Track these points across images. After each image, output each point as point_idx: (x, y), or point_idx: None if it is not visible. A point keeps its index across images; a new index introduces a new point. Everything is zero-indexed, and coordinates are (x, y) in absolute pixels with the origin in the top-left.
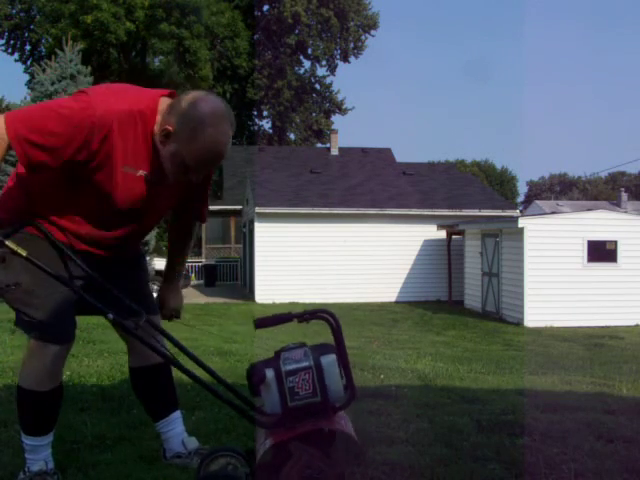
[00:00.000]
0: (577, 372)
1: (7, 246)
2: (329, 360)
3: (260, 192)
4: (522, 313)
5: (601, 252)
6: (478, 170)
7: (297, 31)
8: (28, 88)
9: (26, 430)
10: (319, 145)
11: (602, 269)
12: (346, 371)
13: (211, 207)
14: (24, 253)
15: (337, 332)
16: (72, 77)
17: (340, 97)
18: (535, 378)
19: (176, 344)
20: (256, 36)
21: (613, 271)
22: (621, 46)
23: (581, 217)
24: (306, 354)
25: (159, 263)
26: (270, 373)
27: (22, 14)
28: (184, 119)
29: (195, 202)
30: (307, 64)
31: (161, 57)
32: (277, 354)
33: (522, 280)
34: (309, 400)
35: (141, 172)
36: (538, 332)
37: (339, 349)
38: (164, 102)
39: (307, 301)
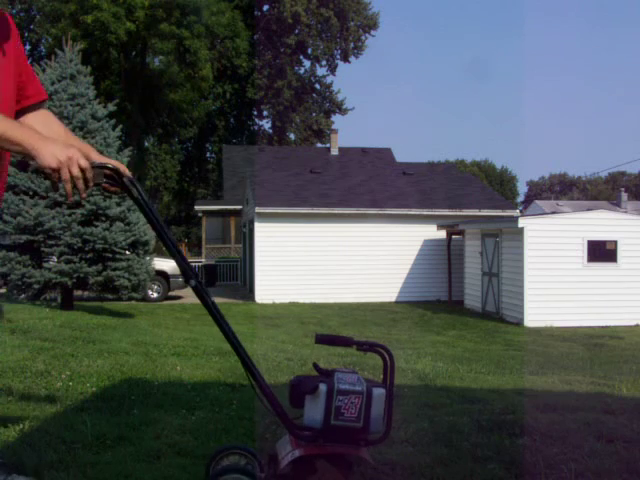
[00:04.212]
0: (577, 372)
1: None
2: (380, 392)
3: (260, 192)
4: (522, 313)
5: (601, 252)
6: (478, 170)
7: (297, 31)
8: None
9: None
10: (319, 145)
11: (602, 269)
12: (389, 409)
13: (211, 207)
14: None
15: (390, 369)
16: (72, 77)
17: (340, 97)
18: (535, 378)
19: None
20: (256, 36)
21: (613, 271)
22: (621, 45)
23: (581, 217)
24: (359, 380)
25: (159, 263)
26: (323, 387)
27: (22, 14)
28: None
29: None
30: (307, 64)
31: (161, 57)
32: (330, 373)
33: (522, 280)
34: (351, 424)
35: None
36: (538, 332)
37: (388, 386)
38: None
39: (307, 301)
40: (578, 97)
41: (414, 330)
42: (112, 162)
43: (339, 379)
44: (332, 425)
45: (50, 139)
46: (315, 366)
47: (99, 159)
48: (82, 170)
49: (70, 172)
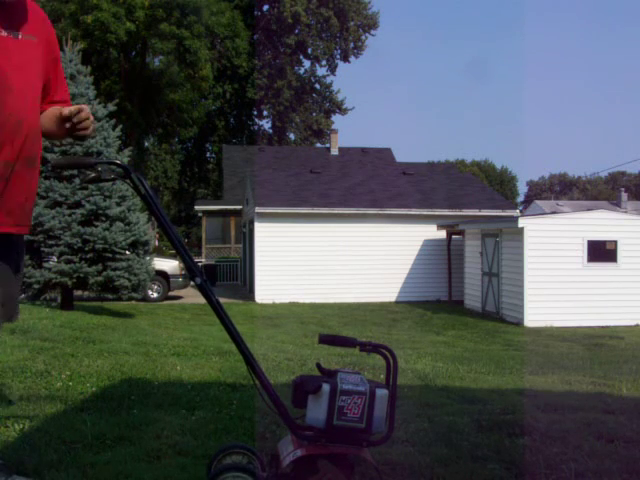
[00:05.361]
0: (577, 372)
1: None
2: (383, 393)
3: (260, 192)
4: (522, 313)
5: (601, 252)
6: (478, 170)
7: (297, 31)
8: None
9: None
10: (319, 145)
11: (602, 269)
12: (391, 410)
13: (211, 207)
14: None
15: (393, 370)
16: (72, 77)
17: (340, 97)
18: (535, 378)
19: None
20: (256, 36)
21: (613, 271)
22: (621, 45)
23: (581, 217)
24: (362, 381)
25: (159, 263)
26: (326, 387)
27: None
28: None
29: (58, 89)
30: (307, 64)
31: (161, 57)
32: (333, 373)
33: (522, 280)
34: (354, 424)
35: None
36: (538, 332)
37: (391, 387)
38: None
39: (307, 301)
40: (578, 97)
41: (414, 330)
42: (82, 107)
43: (342, 379)
44: (334, 425)
45: None
46: (318, 366)
47: (68, 111)
48: None
49: None
